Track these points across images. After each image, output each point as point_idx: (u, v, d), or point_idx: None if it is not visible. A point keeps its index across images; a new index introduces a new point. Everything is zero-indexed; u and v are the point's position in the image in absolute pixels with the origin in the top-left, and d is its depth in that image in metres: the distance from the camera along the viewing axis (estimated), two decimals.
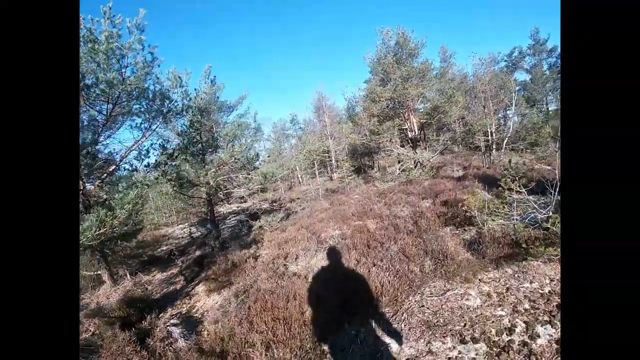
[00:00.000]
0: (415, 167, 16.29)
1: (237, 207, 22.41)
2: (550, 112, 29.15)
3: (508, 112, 26.43)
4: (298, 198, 17.46)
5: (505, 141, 19.32)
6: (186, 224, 18.73)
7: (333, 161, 25.90)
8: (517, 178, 5.72)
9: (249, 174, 11.23)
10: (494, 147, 19.48)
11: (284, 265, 7.39)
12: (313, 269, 6.69)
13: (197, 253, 10.92)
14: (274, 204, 19.20)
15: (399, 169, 16.44)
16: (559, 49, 33.40)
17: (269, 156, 23.81)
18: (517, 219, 5.88)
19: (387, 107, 16.18)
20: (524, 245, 4.97)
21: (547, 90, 30.98)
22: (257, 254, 8.69)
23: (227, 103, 26.82)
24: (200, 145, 10.15)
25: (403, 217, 9.33)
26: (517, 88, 20.60)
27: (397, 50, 16.32)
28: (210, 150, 10.76)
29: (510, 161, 6.38)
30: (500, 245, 5.50)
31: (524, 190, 5.67)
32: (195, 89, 10.98)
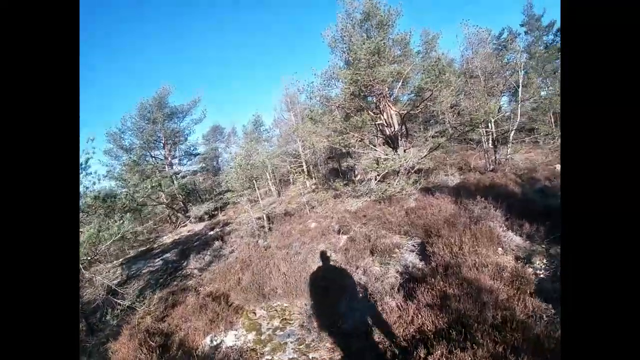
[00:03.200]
0: (397, 173, 12.00)
1: (189, 232, 18.45)
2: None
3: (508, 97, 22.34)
4: (233, 231, 13.22)
5: (512, 133, 14.99)
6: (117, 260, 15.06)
7: (304, 168, 21.58)
8: None
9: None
10: (497, 141, 15.20)
11: None
12: None
13: None
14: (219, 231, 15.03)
15: (375, 178, 12.09)
16: (557, 24, 29.48)
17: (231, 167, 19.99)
18: None
19: (354, 95, 11.81)
20: None
21: (547, 72, 26.83)
22: None
23: (179, 107, 22.79)
24: None
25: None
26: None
27: (365, 23, 12.03)
28: None
29: None
30: None
31: None
32: None
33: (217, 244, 11.55)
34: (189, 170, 24.31)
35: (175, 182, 21.41)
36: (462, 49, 16.14)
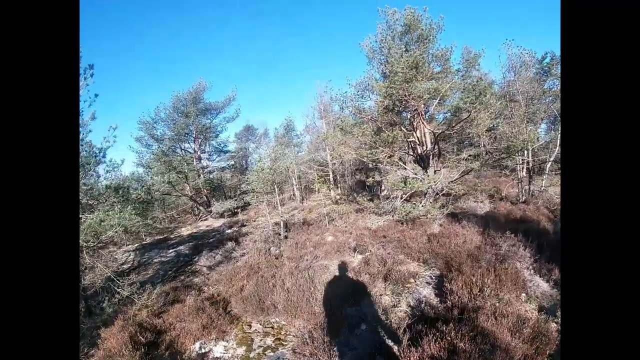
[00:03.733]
0: (425, 195, 11.51)
1: (207, 227, 18.53)
2: None
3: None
4: (249, 233, 13.02)
5: (549, 164, 14.19)
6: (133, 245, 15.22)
7: (331, 178, 21.28)
8: None
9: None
10: (532, 171, 14.42)
11: None
12: None
13: None
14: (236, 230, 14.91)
15: (401, 198, 11.64)
16: None
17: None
18: None
19: (388, 109, 11.43)
20: None
21: None
22: None
23: (214, 104, 23.03)
24: None
25: None
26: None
27: (405, 36, 11.64)
28: None
29: None
30: None
31: None
32: None
33: (229, 244, 11.36)
34: (216, 166, 24.51)
35: (201, 175, 21.64)
36: (504, 70, 15.45)
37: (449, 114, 13.98)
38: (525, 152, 13.84)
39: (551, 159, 14.14)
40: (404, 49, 11.09)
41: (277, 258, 8.98)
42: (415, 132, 12.01)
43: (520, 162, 14.45)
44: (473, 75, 11.57)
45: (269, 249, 9.88)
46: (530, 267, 6.34)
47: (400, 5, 15.62)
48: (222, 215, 20.17)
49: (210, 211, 20.67)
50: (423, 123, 11.74)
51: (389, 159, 11.55)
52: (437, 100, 11.68)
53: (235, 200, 20.65)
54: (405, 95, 10.11)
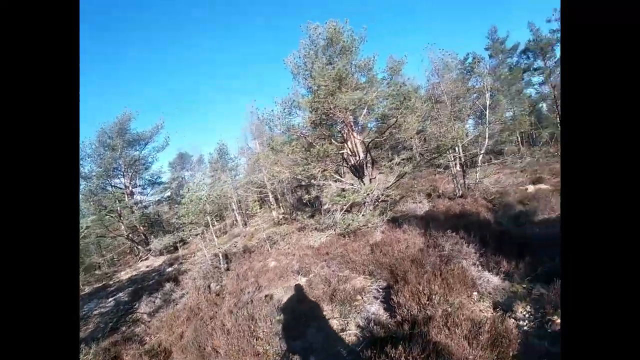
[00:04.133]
0: (364, 204, 11.45)
1: (147, 267, 17.40)
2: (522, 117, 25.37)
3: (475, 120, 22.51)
4: (187, 271, 12.33)
5: (481, 156, 14.81)
6: None
7: (271, 198, 20.82)
8: None
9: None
10: (465, 165, 14.98)
11: None
12: None
13: None
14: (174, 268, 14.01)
15: (341, 210, 11.49)
16: (519, 47, 30.32)
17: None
18: None
19: (316, 123, 11.29)
20: None
21: (512, 93, 27.28)
22: None
23: (141, 134, 21.82)
24: None
25: None
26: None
27: (328, 49, 11.63)
28: None
29: None
30: None
31: None
32: None
33: (168, 286, 10.58)
34: (151, 200, 23.23)
35: (135, 212, 20.29)
36: (428, 73, 16.02)
37: (378, 122, 14.17)
38: (456, 148, 14.37)
39: (482, 152, 14.74)
40: (327, 62, 11.05)
41: (217, 294, 8.41)
42: (347, 144, 11.97)
43: (452, 158, 14.97)
44: (397, 82, 11.72)
45: (209, 286, 9.26)
46: (477, 262, 6.25)
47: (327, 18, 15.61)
48: (161, 253, 19.01)
49: (149, 249, 19.38)
50: (352, 134, 11.73)
51: (323, 173, 11.39)
52: (365, 110, 11.73)
53: (173, 234, 19.56)
54: (330, 108, 10.01)
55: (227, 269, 10.41)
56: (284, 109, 11.53)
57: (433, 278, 5.47)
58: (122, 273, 17.51)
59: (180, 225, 15.11)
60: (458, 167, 15.05)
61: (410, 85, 12.28)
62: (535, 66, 29.41)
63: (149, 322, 8.65)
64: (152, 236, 20.49)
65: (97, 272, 20.63)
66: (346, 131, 11.79)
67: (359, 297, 6.38)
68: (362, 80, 12.40)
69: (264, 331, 5.82)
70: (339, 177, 12.20)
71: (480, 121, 20.69)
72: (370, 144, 11.48)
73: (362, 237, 9.49)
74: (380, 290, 6.47)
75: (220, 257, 10.81)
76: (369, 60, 11.91)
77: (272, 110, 11.22)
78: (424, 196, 14.31)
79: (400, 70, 12.57)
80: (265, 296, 7.40)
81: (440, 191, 14.82)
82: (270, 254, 10.56)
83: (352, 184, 11.47)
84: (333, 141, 11.75)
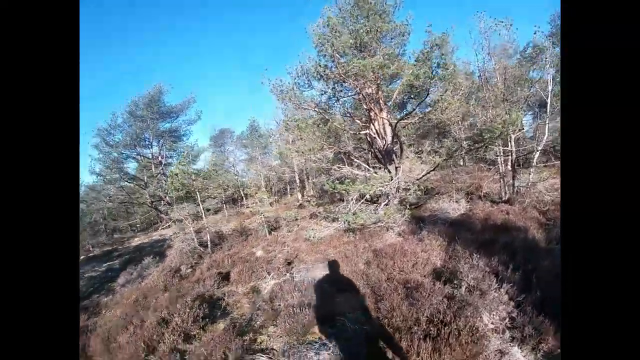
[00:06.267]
0: (387, 196, 9.64)
1: (160, 236, 17.19)
2: None
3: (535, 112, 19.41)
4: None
5: (537, 154, 12.14)
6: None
7: (297, 179, 19.51)
8: None
9: None
10: (518, 164, 12.48)
11: None
12: None
13: None
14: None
15: (357, 200, 9.67)
16: None
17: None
18: None
19: (336, 96, 9.51)
20: None
21: None
22: None
23: (172, 107, 21.63)
24: None
25: None
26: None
27: (356, 12, 9.76)
28: None
29: None
30: None
31: None
32: None
33: (146, 260, 9.96)
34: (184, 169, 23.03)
35: (162, 181, 20.08)
36: (475, 46, 13.08)
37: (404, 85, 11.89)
38: (508, 141, 11.86)
39: (539, 149, 12.05)
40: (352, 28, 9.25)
41: (182, 279, 7.24)
42: (374, 124, 10.10)
43: (502, 152, 12.54)
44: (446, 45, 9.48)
45: (179, 268, 8.10)
46: (504, 325, 3.83)
47: None
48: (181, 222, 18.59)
49: (170, 218, 19.00)
50: (378, 111, 9.85)
51: (338, 157, 9.68)
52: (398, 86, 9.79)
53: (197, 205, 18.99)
54: (341, 74, 8.17)
55: (214, 251, 9.27)
56: (299, 80, 9.80)
57: (422, 340, 3.47)
58: (136, 240, 17.35)
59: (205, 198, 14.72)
60: (508, 166, 12.56)
61: (445, 48, 9.93)
62: None
63: (120, 294, 8.32)
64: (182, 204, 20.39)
65: (115, 235, 20.97)
66: (372, 108, 9.90)
67: (317, 331, 4.49)
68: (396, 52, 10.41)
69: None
70: (361, 163, 10.38)
71: (539, 112, 17.60)
72: (398, 124, 9.48)
73: (370, 237, 7.76)
74: (351, 329, 4.24)
75: (209, 238, 9.64)
76: (402, 27, 9.88)
77: (282, 81, 9.40)
78: (463, 195, 12.12)
79: (444, 45, 10.35)
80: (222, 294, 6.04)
81: (483, 192, 12.49)
82: (265, 238, 9.21)
83: (376, 172, 9.63)
84: (357, 120, 9.97)
